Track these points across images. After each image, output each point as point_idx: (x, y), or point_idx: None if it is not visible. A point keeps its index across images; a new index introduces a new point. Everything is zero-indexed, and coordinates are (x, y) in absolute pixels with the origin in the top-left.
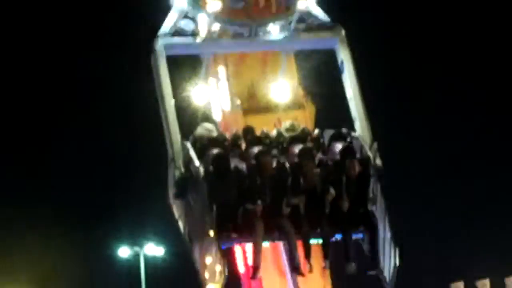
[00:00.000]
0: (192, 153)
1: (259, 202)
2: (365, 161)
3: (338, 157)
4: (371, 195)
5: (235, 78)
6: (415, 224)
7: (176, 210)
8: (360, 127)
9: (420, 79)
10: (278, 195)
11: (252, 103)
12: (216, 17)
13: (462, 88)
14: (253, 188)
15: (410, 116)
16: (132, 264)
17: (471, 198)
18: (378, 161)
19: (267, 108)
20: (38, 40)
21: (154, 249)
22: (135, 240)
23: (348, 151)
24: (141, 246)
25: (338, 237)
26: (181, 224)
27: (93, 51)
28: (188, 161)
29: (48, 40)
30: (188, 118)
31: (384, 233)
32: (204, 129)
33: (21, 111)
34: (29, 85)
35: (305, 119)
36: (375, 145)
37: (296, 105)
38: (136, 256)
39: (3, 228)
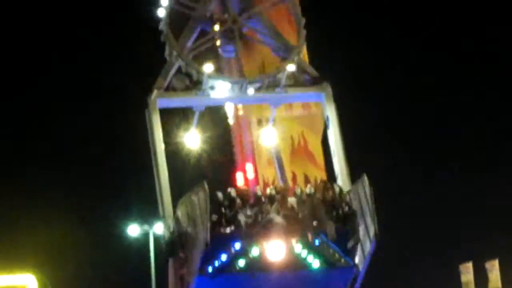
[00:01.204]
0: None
1: None
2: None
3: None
4: None
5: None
6: (424, 205)
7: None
8: (341, 182)
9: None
10: None
11: None
12: (210, 75)
13: None
14: None
15: None
16: (141, 243)
17: (479, 180)
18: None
19: None
20: None
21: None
22: (145, 218)
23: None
24: (150, 225)
25: None
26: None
27: None
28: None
29: None
30: (180, 164)
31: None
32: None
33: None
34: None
35: None
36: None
37: None
38: (146, 234)
39: (13, 208)
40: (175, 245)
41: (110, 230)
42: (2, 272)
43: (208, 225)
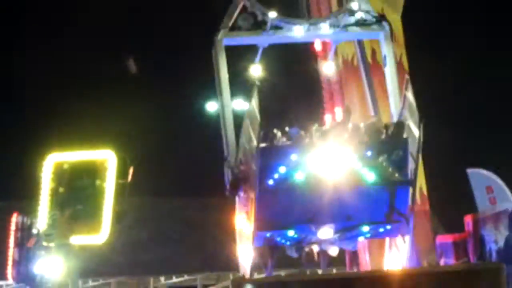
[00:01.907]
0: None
1: None
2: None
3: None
4: None
5: None
6: None
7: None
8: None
9: None
10: None
11: None
12: (273, 17)
13: None
14: None
15: None
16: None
17: None
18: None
19: None
20: None
21: (242, 104)
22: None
23: None
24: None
25: None
26: None
27: None
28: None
29: None
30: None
31: None
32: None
33: None
34: None
35: None
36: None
37: None
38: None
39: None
40: (238, 184)
41: (189, 105)
42: (83, 148)
43: (260, 130)
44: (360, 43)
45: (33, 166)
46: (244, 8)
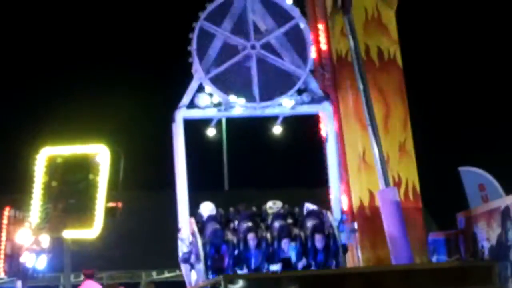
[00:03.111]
0: (195, 228)
1: (245, 268)
2: (331, 237)
3: (309, 232)
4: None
5: None
6: None
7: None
8: (333, 198)
9: None
10: (260, 263)
11: None
12: (228, 100)
13: None
14: (241, 257)
15: None
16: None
17: None
18: (343, 237)
19: None
20: None
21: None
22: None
23: (316, 228)
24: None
25: None
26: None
27: None
28: (192, 233)
29: None
30: None
31: None
32: (205, 207)
33: None
34: None
35: None
36: (344, 217)
37: None
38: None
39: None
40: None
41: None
42: (75, 142)
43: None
44: (354, 39)
45: (26, 159)
46: (201, 87)
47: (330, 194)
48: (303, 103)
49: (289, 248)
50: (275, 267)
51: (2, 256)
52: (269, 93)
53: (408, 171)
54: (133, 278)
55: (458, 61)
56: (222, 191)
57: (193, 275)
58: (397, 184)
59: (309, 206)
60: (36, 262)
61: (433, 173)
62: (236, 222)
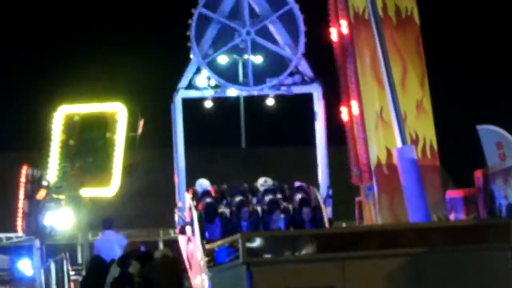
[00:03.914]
0: (191, 202)
1: None
2: (317, 209)
3: (297, 205)
4: None
5: None
6: None
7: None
8: (321, 172)
9: None
10: None
11: None
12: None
13: None
14: (234, 229)
15: None
16: None
17: None
18: (328, 210)
19: None
20: None
21: None
22: None
23: (304, 201)
24: None
25: None
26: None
27: None
28: (189, 207)
29: None
30: None
31: None
32: (200, 184)
33: None
34: None
35: None
36: (330, 192)
37: None
38: None
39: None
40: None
41: None
42: (93, 100)
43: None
44: None
45: (44, 118)
46: (198, 69)
47: (319, 170)
48: (294, 83)
49: (279, 220)
50: None
51: (20, 215)
52: (262, 76)
53: (425, 129)
54: (150, 236)
55: (477, 16)
56: (240, 148)
57: (190, 246)
58: (415, 142)
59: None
60: (53, 220)
61: (450, 131)
62: (228, 198)
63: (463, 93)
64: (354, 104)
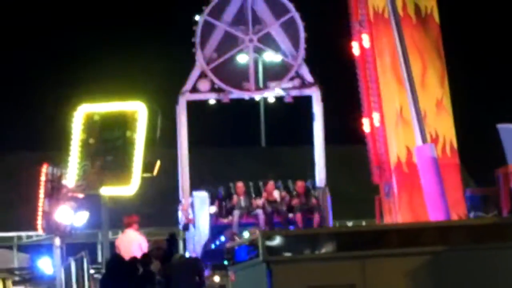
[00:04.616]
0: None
1: None
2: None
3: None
4: None
5: None
6: None
7: None
8: (317, 170)
9: None
10: None
11: None
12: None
13: None
14: None
15: None
16: None
17: None
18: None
19: None
20: None
21: None
22: None
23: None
24: None
25: None
26: None
27: None
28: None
29: None
30: None
31: None
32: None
33: None
34: None
35: None
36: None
37: None
38: None
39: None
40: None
41: None
42: (113, 99)
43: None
44: None
45: (64, 117)
46: (202, 73)
47: (316, 167)
48: (294, 87)
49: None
50: None
51: (40, 213)
52: (264, 81)
53: (445, 127)
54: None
55: (497, 15)
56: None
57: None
58: (434, 140)
59: None
60: (74, 219)
61: (471, 130)
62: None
63: (484, 91)
64: (375, 116)
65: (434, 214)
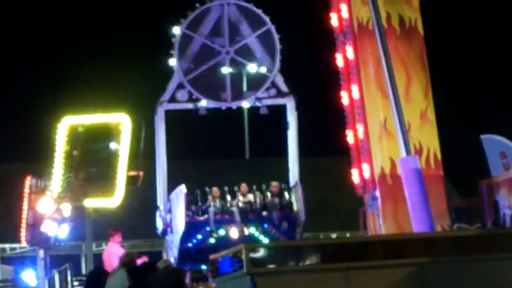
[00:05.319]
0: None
1: None
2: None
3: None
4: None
5: None
6: None
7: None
8: (292, 176)
9: None
10: None
11: None
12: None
13: None
14: None
15: None
16: None
17: None
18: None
19: None
20: None
21: None
22: None
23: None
24: None
25: None
26: None
27: None
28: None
29: None
30: None
31: None
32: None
33: None
34: None
35: None
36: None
37: None
38: None
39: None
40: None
41: None
42: (98, 111)
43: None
44: (374, 6)
45: (48, 128)
46: (181, 84)
47: (290, 175)
48: (269, 97)
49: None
50: None
51: (24, 225)
52: (240, 92)
53: (429, 139)
54: (154, 246)
55: (480, 27)
56: (244, 160)
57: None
58: (418, 152)
59: None
60: (57, 231)
61: (454, 141)
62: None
63: (467, 103)
64: (359, 127)
65: (418, 225)
